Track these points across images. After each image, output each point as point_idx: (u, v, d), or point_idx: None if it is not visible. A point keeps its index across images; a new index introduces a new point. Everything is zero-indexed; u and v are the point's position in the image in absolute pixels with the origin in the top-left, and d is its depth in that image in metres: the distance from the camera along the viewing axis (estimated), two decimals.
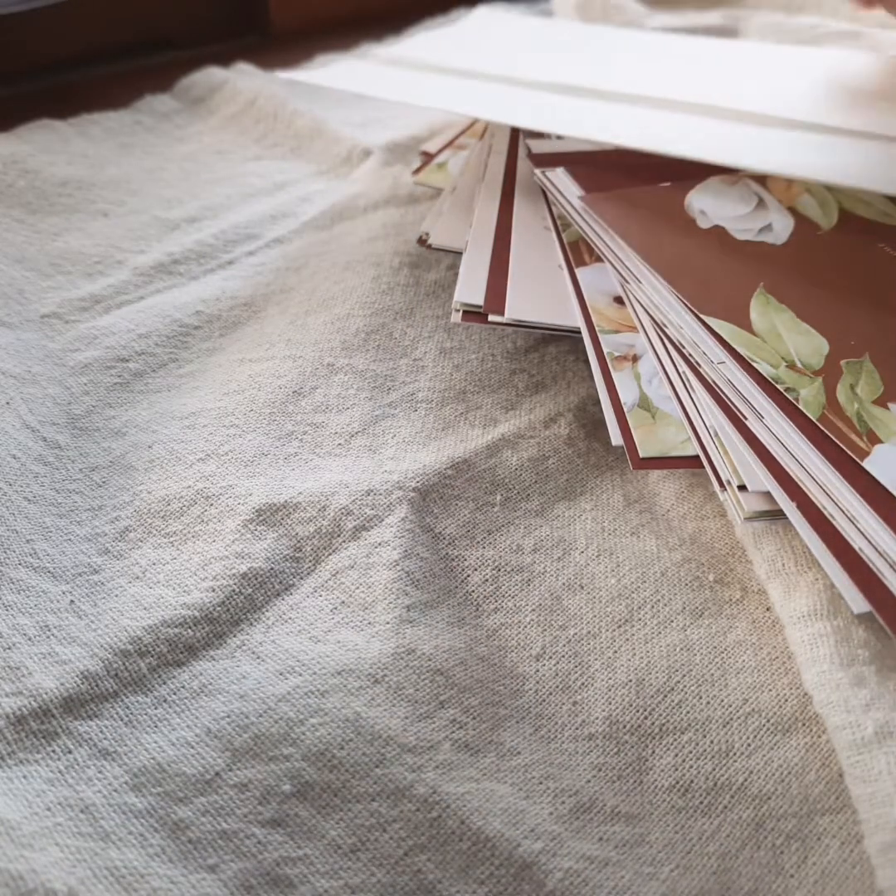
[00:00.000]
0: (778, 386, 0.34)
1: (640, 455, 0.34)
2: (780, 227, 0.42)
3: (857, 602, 0.29)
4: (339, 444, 0.38)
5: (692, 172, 0.44)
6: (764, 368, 0.35)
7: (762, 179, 0.44)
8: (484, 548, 0.35)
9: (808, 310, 0.38)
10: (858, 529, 0.30)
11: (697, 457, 0.34)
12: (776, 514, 0.32)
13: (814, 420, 0.33)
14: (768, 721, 0.30)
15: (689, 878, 0.27)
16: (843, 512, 0.31)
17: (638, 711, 0.30)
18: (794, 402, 0.34)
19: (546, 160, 0.46)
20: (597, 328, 0.38)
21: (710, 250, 0.40)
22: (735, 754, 0.29)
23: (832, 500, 0.31)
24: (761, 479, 0.32)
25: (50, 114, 0.60)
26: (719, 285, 0.38)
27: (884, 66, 0.51)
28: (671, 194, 0.43)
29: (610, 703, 0.30)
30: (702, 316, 0.37)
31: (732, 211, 0.43)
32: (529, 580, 0.34)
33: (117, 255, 0.49)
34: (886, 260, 0.40)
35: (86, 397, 0.41)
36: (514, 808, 0.27)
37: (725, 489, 0.33)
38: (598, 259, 0.41)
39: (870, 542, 0.30)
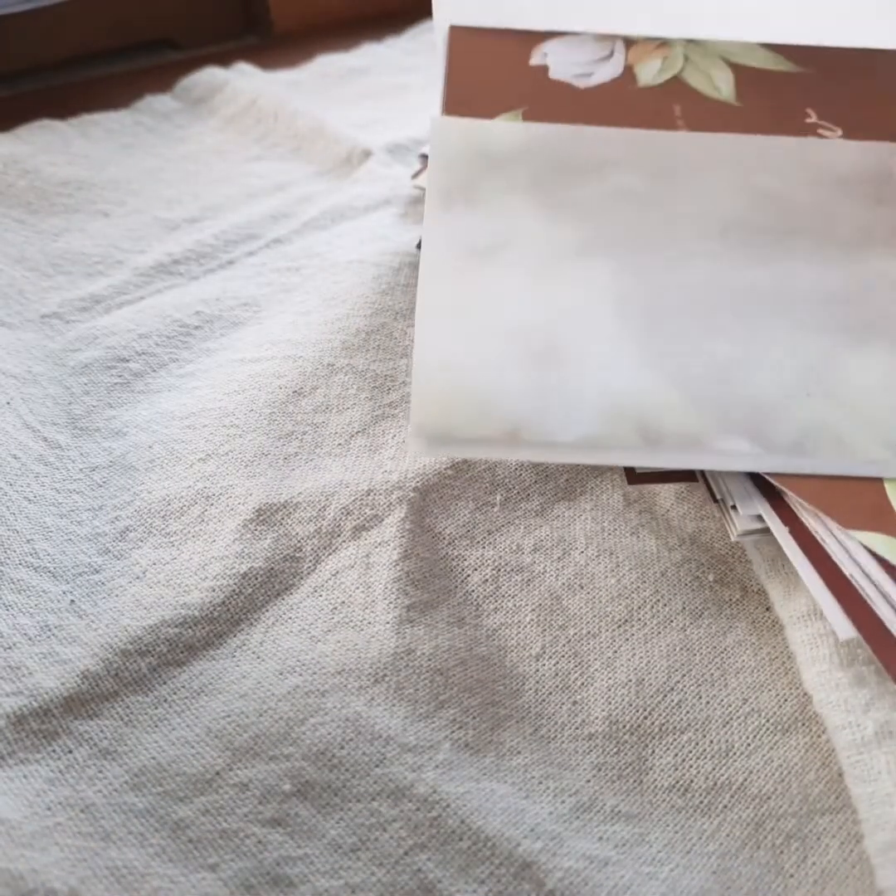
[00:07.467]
0: None
1: (636, 470, 0.34)
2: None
3: (844, 628, 0.28)
4: (339, 444, 0.38)
5: None
6: None
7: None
8: (484, 548, 0.35)
9: None
10: (850, 556, 0.30)
11: (693, 472, 0.34)
12: (769, 531, 0.32)
13: None
14: (768, 721, 0.30)
15: (688, 877, 0.27)
16: (835, 538, 0.30)
17: (638, 711, 0.30)
18: None
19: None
20: None
21: None
22: (735, 754, 0.29)
23: (825, 526, 0.31)
24: (755, 502, 0.32)
25: (50, 114, 0.60)
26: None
27: None
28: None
29: (610, 703, 0.30)
30: (850, 532, 0.30)
31: None
32: (529, 580, 0.34)
33: (118, 255, 0.49)
34: None
35: (86, 397, 0.41)
36: (514, 808, 0.27)
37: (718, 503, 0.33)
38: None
39: (861, 568, 0.29)
